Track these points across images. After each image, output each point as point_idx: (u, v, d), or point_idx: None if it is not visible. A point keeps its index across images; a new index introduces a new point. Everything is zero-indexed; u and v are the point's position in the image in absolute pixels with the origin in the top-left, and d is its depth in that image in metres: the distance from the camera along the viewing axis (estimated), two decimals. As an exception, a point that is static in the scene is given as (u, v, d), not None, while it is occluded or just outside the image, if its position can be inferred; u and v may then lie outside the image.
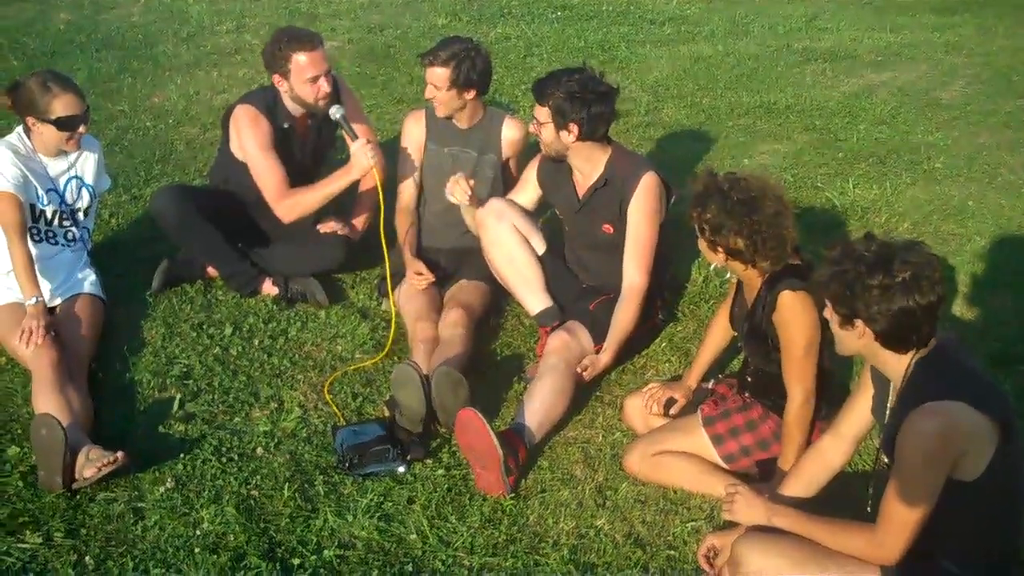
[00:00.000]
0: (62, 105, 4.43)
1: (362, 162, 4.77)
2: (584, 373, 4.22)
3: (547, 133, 4.36)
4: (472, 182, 4.61)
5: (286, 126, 5.00)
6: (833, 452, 3.27)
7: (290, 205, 4.95)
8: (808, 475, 3.29)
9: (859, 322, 2.85)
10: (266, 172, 4.94)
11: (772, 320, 3.57)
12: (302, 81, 4.83)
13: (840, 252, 2.90)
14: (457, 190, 4.57)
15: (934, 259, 2.84)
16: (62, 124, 4.44)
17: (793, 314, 3.50)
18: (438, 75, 4.71)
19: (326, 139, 5.27)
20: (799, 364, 3.54)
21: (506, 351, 4.75)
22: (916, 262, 2.79)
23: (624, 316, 4.35)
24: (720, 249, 3.58)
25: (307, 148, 5.14)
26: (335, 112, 4.81)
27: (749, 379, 3.85)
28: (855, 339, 2.90)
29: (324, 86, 4.86)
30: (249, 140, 4.93)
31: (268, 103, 4.98)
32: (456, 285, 4.83)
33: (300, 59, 4.80)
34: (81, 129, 4.52)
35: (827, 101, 7.67)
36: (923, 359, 2.87)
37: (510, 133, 4.95)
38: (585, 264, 4.67)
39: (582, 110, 4.27)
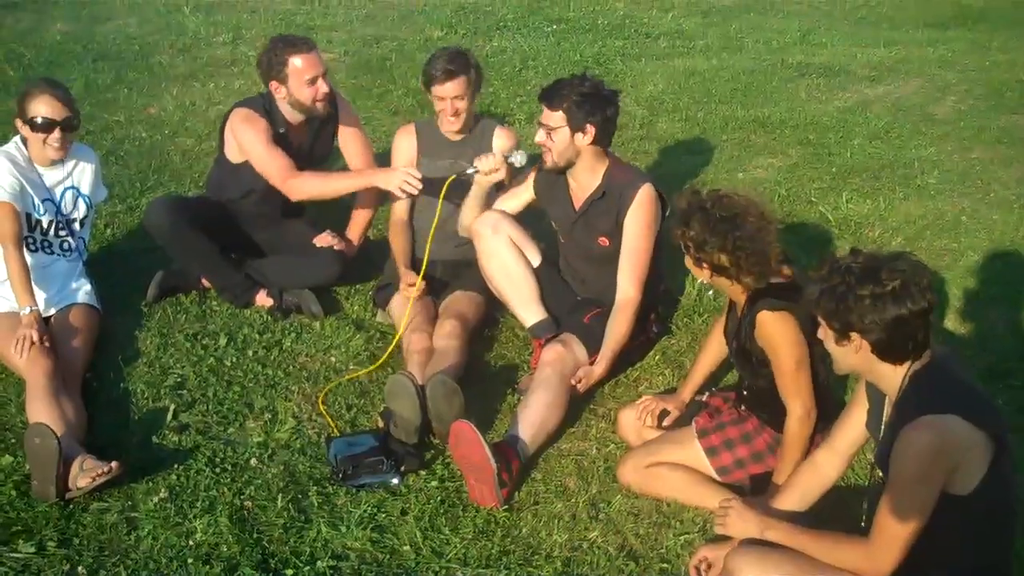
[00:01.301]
0: (38, 106, 4.46)
1: (391, 181, 4.76)
2: (578, 385, 4.23)
3: (561, 138, 4.34)
4: (500, 155, 4.56)
5: (282, 131, 5.02)
6: (827, 466, 3.27)
7: (298, 184, 4.94)
8: (802, 488, 3.29)
9: (855, 335, 2.85)
10: (269, 159, 4.94)
11: (754, 338, 3.59)
12: (300, 83, 4.86)
13: (828, 269, 2.91)
14: (488, 159, 4.52)
15: (921, 266, 2.87)
16: (36, 125, 4.46)
17: (774, 333, 3.51)
18: (457, 87, 4.75)
19: (322, 148, 5.26)
20: (792, 379, 3.55)
21: (500, 362, 4.75)
22: (904, 270, 2.81)
23: (618, 328, 4.36)
24: (705, 266, 3.60)
25: (303, 156, 5.14)
26: (517, 159, 4.62)
27: (744, 392, 3.86)
28: (852, 354, 2.90)
29: (322, 86, 4.89)
30: (248, 136, 4.94)
31: (265, 107, 5.01)
32: (451, 296, 4.84)
33: (297, 62, 4.83)
34: (56, 134, 4.50)
35: (821, 116, 7.70)
36: (918, 372, 2.88)
37: (501, 143, 4.95)
38: (580, 276, 4.68)
39: (597, 112, 4.29)
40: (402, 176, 4.74)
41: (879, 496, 2.88)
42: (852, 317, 2.81)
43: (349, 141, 5.29)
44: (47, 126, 4.48)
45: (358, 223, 5.32)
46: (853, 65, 9.01)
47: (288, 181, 4.94)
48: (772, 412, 3.70)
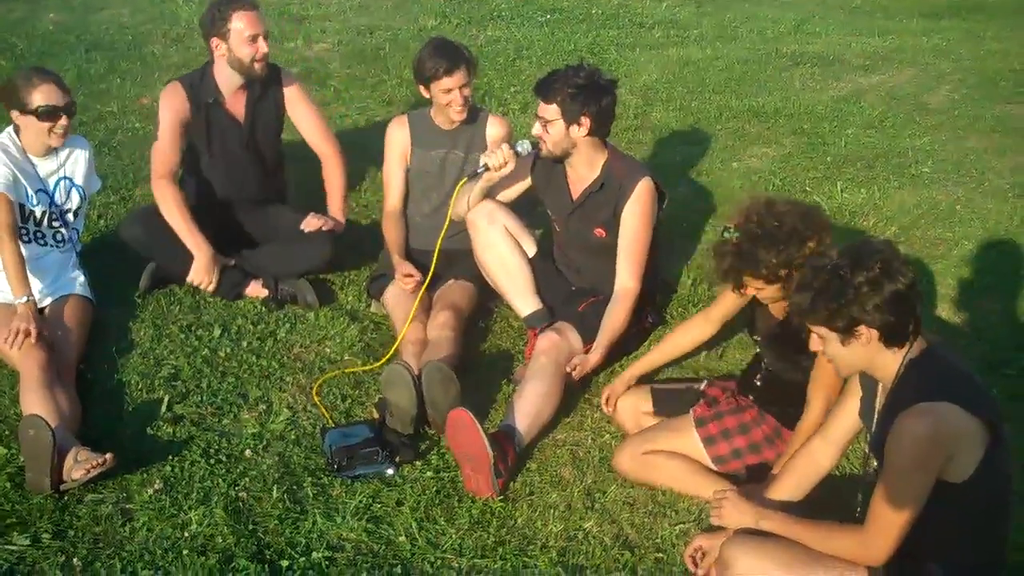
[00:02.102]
0: (42, 95, 4.44)
1: (195, 265, 4.89)
2: (573, 373, 4.23)
3: (556, 130, 4.34)
4: (507, 148, 4.47)
5: (211, 101, 5.05)
6: (822, 455, 3.27)
7: (159, 192, 4.98)
8: (797, 477, 3.29)
9: (861, 328, 2.84)
10: (157, 151, 5.04)
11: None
12: (241, 40, 4.90)
13: (810, 274, 2.91)
14: (497, 154, 4.45)
15: (891, 243, 2.93)
16: (42, 114, 4.44)
17: None
18: (464, 76, 4.73)
19: (265, 120, 5.23)
20: (832, 374, 3.49)
21: (495, 352, 4.75)
22: (880, 251, 2.85)
23: (615, 318, 4.36)
24: (782, 275, 3.52)
25: (243, 126, 5.15)
26: (522, 147, 4.50)
27: (759, 383, 3.85)
28: (859, 349, 2.88)
29: (262, 46, 4.94)
30: (161, 114, 5.04)
31: (195, 79, 5.09)
32: (445, 286, 4.83)
33: (239, 18, 4.89)
34: (63, 121, 4.50)
35: (815, 105, 7.69)
36: (914, 360, 2.88)
37: (494, 131, 4.95)
38: (576, 266, 4.68)
39: (592, 103, 4.28)
40: (195, 270, 4.90)
41: (873, 486, 2.89)
42: (854, 309, 2.81)
43: (298, 111, 5.31)
44: (53, 114, 4.47)
45: (334, 198, 5.32)
46: (847, 54, 9.00)
47: (156, 184, 5.00)
48: (786, 406, 3.72)
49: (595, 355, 4.30)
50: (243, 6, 4.91)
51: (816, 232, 3.49)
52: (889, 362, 2.90)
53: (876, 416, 3.01)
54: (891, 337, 2.85)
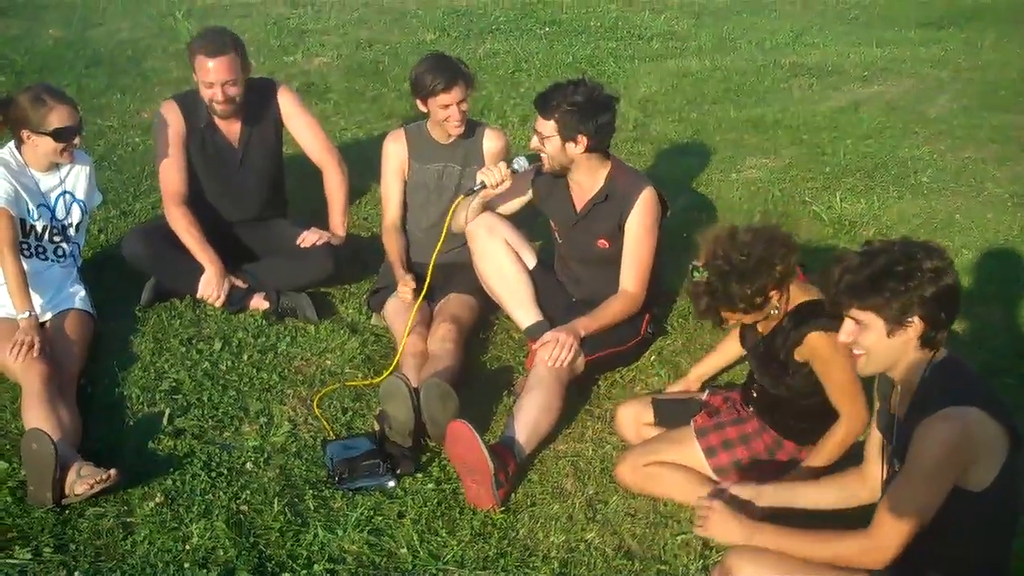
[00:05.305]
0: (58, 117, 4.45)
1: (206, 279, 4.93)
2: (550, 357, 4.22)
3: (552, 146, 4.35)
4: (504, 166, 4.48)
5: (202, 126, 5.07)
6: (863, 489, 3.25)
7: (175, 219, 5.01)
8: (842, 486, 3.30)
9: (914, 318, 2.78)
10: (164, 172, 5.07)
11: (793, 353, 3.56)
12: (202, 83, 4.93)
13: (864, 257, 2.84)
14: (493, 172, 4.45)
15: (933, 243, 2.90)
16: (59, 135, 4.46)
17: (830, 354, 3.45)
18: (462, 91, 4.74)
19: (261, 145, 5.23)
20: (851, 387, 3.50)
21: (495, 364, 4.75)
22: (937, 246, 2.84)
23: (610, 309, 4.41)
24: (759, 303, 3.52)
25: (238, 149, 5.17)
26: (519, 164, 4.51)
27: (754, 394, 3.85)
28: (899, 343, 2.82)
29: (217, 94, 4.92)
30: (158, 134, 5.06)
31: (190, 100, 5.09)
32: (445, 299, 4.83)
33: (198, 63, 4.91)
34: (76, 140, 4.55)
35: (814, 116, 7.71)
36: (939, 364, 2.86)
37: (492, 144, 4.96)
38: (576, 278, 4.68)
39: (589, 121, 4.29)
40: (204, 283, 4.93)
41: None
42: (915, 295, 2.76)
43: (295, 124, 5.31)
44: (69, 135, 4.51)
45: (336, 211, 5.33)
46: (846, 65, 9.02)
47: (169, 209, 5.04)
48: (780, 417, 3.72)
49: (574, 325, 4.30)
50: (205, 51, 4.87)
51: (783, 256, 3.46)
52: (916, 363, 2.86)
53: (896, 422, 2.98)
54: (931, 334, 2.81)
